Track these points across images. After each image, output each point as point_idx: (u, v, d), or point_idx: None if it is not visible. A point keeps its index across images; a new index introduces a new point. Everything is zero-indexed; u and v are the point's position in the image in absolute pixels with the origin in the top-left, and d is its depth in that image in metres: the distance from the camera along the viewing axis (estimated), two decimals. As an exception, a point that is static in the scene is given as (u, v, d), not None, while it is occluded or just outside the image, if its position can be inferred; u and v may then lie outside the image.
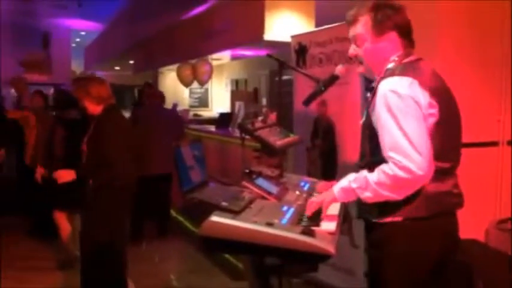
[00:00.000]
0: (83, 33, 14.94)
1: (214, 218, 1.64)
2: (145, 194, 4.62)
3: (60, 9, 11.07)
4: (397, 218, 1.66)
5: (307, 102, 2.08)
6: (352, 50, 1.80)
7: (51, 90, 8.43)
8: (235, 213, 1.71)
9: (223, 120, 5.98)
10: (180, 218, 5.59)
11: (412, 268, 1.68)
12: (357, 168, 1.77)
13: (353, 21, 1.76)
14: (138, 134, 4.17)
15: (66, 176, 3.10)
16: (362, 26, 1.73)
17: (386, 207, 1.66)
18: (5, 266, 3.98)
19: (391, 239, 1.68)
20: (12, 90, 9.34)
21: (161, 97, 5.23)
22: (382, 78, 1.67)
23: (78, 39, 15.85)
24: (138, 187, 3.19)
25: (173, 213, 5.61)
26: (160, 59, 9.65)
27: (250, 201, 1.89)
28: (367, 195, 1.64)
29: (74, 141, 3.37)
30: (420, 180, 1.55)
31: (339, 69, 1.91)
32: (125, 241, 3.23)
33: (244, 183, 2.05)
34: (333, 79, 1.98)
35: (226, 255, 4.14)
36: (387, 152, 1.58)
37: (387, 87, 1.61)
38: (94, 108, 3.11)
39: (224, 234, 1.61)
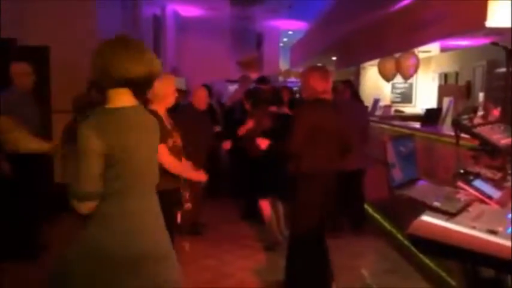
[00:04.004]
0: (290, 32, 15.94)
1: (427, 218, 1.57)
2: (340, 188, 4.66)
3: (272, 13, 12.02)
4: None
5: (544, 95, 1.78)
6: None
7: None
8: (450, 215, 1.60)
9: (430, 116, 5.57)
10: (376, 216, 5.48)
11: None
12: None
13: None
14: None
15: (263, 144, 3.40)
16: None
17: None
18: (226, 242, 4.64)
19: None
20: (230, 87, 10.65)
21: (351, 93, 5.06)
22: None
23: (285, 39, 16.99)
24: (335, 181, 3.23)
25: (369, 210, 5.53)
26: (363, 54, 9.57)
27: (467, 204, 1.74)
28: None
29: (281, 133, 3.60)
30: None
31: None
32: (323, 230, 3.31)
33: (460, 184, 1.90)
34: None
35: (425, 259, 3.90)
36: None
37: None
38: (306, 96, 3.25)
39: (437, 236, 1.53)
